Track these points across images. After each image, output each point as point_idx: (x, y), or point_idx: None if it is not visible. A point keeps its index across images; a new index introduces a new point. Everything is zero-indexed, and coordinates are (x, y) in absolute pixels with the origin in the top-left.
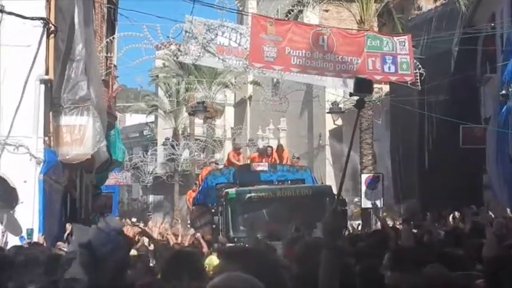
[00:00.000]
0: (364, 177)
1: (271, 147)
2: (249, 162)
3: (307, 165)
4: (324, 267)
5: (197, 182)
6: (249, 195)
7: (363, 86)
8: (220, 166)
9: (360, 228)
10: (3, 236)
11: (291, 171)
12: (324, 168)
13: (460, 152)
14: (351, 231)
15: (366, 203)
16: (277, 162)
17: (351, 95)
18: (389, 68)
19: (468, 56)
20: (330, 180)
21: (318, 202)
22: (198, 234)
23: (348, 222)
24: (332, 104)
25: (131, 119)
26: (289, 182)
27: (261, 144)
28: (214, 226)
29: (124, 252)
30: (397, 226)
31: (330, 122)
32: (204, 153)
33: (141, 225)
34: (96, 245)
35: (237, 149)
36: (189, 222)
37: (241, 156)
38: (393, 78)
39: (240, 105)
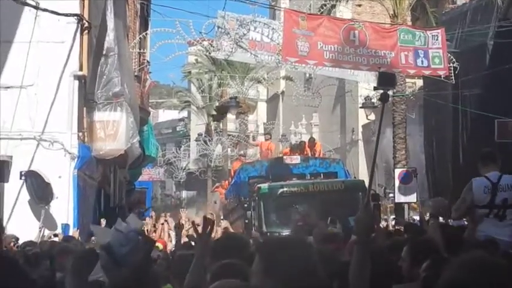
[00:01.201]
0: (398, 172)
1: (304, 142)
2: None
3: (339, 158)
4: (355, 262)
5: (229, 179)
6: (281, 190)
7: (386, 80)
8: (250, 160)
9: (393, 223)
10: (40, 231)
11: (324, 165)
12: (356, 163)
13: (495, 146)
14: (385, 226)
15: (400, 198)
16: (310, 154)
17: (375, 88)
18: (421, 62)
19: (503, 50)
20: (363, 175)
21: (350, 196)
22: (228, 226)
23: (383, 216)
24: (365, 98)
25: (164, 115)
26: (322, 175)
27: (293, 140)
28: (247, 221)
29: (144, 252)
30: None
31: (363, 117)
32: (236, 149)
33: (170, 220)
34: (115, 247)
35: (266, 135)
36: (221, 216)
37: (271, 145)
38: (426, 72)
39: (272, 101)
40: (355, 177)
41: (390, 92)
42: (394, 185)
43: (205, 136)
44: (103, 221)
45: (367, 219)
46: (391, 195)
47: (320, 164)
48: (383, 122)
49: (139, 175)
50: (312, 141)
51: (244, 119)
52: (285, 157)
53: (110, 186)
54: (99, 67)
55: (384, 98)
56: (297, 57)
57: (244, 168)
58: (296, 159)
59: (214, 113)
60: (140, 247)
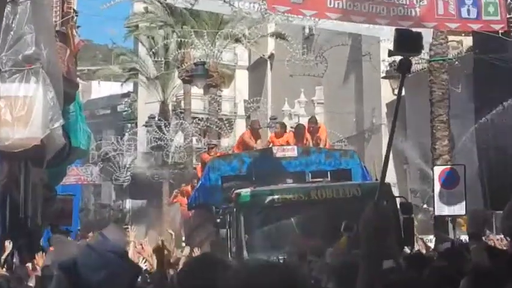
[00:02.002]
0: (438, 170)
1: (302, 125)
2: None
3: (353, 150)
4: (360, 281)
5: (193, 181)
6: (270, 198)
7: (407, 42)
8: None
9: (432, 244)
10: None
11: (331, 159)
12: (379, 157)
13: None
14: (419, 248)
15: (441, 209)
16: (310, 144)
17: (390, 54)
18: (468, 12)
19: None
20: (389, 175)
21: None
22: (193, 253)
23: (416, 235)
24: (390, 64)
25: (100, 89)
26: (329, 175)
27: (288, 125)
28: (219, 243)
29: (128, 282)
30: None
31: (388, 91)
32: (205, 138)
33: None
34: (84, 270)
35: (254, 128)
36: (183, 237)
37: (259, 140)
38: (475, 27)
39: (256, 68)
40: (376, 179)
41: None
42: (433, 190)
43: (159, 120)
44: (8, 244)
45: (376, 222)
46: (424, 206)
47: (326, 158)
48: (416, 98)
49: (62, 176)
50: (313, 122)
51: (216, 94)
52: (274, 148)
53: (19, 192)
54: (4, 19)
55: (403, 67)
56: (288, 5)
57: (215, 164)
58: (291, 150)
59: (176, 82)
60: (122, 275)
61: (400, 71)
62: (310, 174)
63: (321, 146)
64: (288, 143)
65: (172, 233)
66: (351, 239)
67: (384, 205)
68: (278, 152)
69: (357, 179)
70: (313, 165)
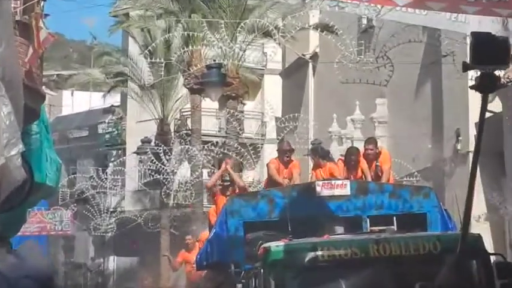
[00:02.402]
0: None
1: (356, 149)
2: (312, 179)
3: (429, 187)
4: None
5: (205, 231)
6: (312, 254)
7: (489, 50)
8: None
9: None
10: None
11: (399, 198)
12: (465, 194)
13: None
14: None
15: None
16: (368, 177)
17: (465, 68)
18: None
19: None
20: (478, 223)
21: (455, 267)
22: None
23: None
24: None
25: (74, 102)
26: (395, 221)
27: (336, 151)
28: None
29: None
30: None
31: (478, 106)
32: (221, 169)
33: None
34: None
35: (283, 151)
36: None
37: (294, 167)
38: None
39: (294, 74)
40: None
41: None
42: None
43: (156, 145)
44: None
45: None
46: None
47: (391, 197)
48: None
49: (21, 224)
50: (372, 143)
51: (236, 109)
52: (318, 184)
53: None
54: None
55: (485, 84)
56: None
57: (234, 206)
58: (342, 187)
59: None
60: None
61: (481, 89)
62: (368, 221)
63: (383, 180)
64: (332, 175)
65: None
66: None
67: (470, 264)
68: (323, 189)
69: (434, 228)
70: (372, 207)
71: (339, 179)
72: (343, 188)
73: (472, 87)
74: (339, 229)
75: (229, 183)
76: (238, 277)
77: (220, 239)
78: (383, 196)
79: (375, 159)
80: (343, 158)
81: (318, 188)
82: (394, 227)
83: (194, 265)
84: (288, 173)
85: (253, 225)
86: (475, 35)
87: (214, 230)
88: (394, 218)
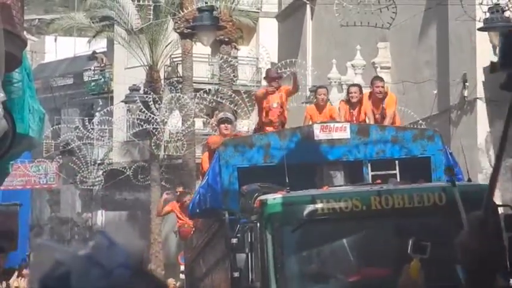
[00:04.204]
0: None
1: (358, 85)
2: (308, 122)
3: (434, 129)
4: None
5: (197, 181)
6: (312, 208)
7: None
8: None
9: None
10: None
11: (402, 141)
12: (471, 146)
13: None
14: None
15: None
16: (371, 120)
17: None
18: None
19: None
20: (484, 171)
21: (461, 221)
22: None
23: None
24: (491, 10)
25: (57, 48)
26: (397, 165)
27: (336, 96)
28: (236, 274)
29: None
30: None
31: (487, 49)
32: (214, 119)
33: None
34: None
35: (272, 78)
36: (181, 261)
37: (284, 91)
38: None
39: (290, 16)
40: (469, 179)
41: None
42: None
43: (146, 93)
44: None
45: (485, 249)
46: None
47: (394, 140)
48: None
49: (3, 177)
50: (380, 80)
51: (230, 55)
52: (316, 127)
53: None
54: None
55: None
56: None
57: (228, 149)
58: (342, 129)
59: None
60: None
61: (505, 87)
62: (369, 165)
63: (387, 121)
64: (332, 118)
65: (161, 259)
66: (425, 263)
67: (495, 223)
68: (321, 132)
69: (439, 173)
70: (374, 151)
71: (338, 122)
72: (342, 131)
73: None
74: (339, 175)
75: (226, 119)
76: (232, 225)
77: (213, 185)
78: (385, 139)
79: (383, 100)
80: (344, 99)
81: (316, 132)
82: (397, 178)
83: (184, 218)
84: (280, 98)
85: (248, 170)
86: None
87: (207, 177)
88: (397, 162)
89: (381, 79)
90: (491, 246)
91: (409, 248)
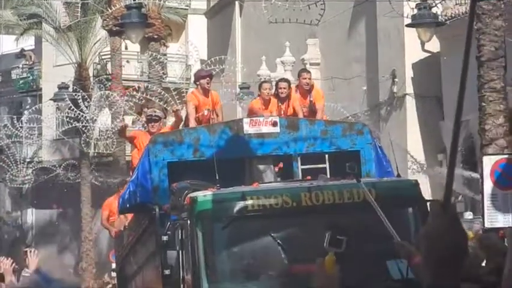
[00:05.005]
0: (489, 162)
1: (287, 80)
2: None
3: (363, 123)
4: None
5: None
6: (242, 204)
7: None
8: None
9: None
10: None
11: (331, 135)
12: (402, 140)
13: None
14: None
15: (494, 219)
16: (299, 114)
17: None
18: None
19: None
20: (414, 167)
21: (390, 218)
22: None
23: None
24: (418, 6)
25: None
26: (327, 159)
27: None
28: (167, 271)
29: None
30: None
31: (415, 46)
32: (142, 116)
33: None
34: None
35: (201, 76)
36: (112, 259)
37: (217, 97)
38: None
39: (219, 13)
40: (398, 174)
41: None
42: (481, 192)
43: (74, 90)
44: None
45: (448, 236)
46: (468, 215)
47: (323, 134)
48: (456, 57)
49: None
50: (307, 72)
51: (159, 52)
52: (245, 120)
53: None
54: None
55: None
56: None
57: (158, 143)
58: (271, 123)
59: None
60: None
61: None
62: (299, 160)
63: (318, 115)
64: (252, 111)
65: (92, 258)
66: (339, 257)
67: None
68: (251, 127)
69: (368, 166)
70: (304, 145)
71: (270, 114)
72: (271, 125)
73: None
74: (269, 169)
75: (156, 117)
76: (163, 221)
77: (143, 180)
78: (314, 132)
79: (310, 92)
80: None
81: (246, 126)
82: (327, 172)
83: (114, 216)
84: (212, 103)
85: (178, 165)
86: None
87: (137, 171)
88: (326, 156)
89: (307, 71)
90: (462, 231)
91: (325, 242)
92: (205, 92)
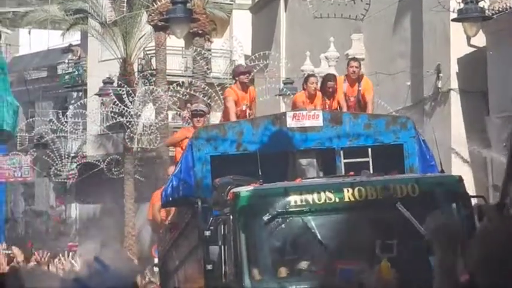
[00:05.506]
0: None
1: (333, 75)
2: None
3: (406, 116)
4: None
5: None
6: (284, 200)
7: None
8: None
9: None
10: None
11: (374, 128)
12: (445, 138)
13: None
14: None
15: None
16: (343, 109)
17: None
18: None
19: None
20: (458, 162)
21: (433, 211)
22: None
23: None
24: (465, 1)
25: (31, 41)
26: (370, 152)
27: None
28: (210, 266)
29: None
30: None
31: (461, 41)
32: (186, 111)
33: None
34: None
35: (240, 72)
36: (155, 254)
37: (251, 90)
38: None
39: (264, 9)
40: (442, 169)
41: None
42: None
43: (119, 86)
44: None
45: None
46: None
47: (366, 127)
48: (505, 49)
49: None
50: (356, 60)
51: (204, 47)
52: (289, 114)
53: None
54: None
55: None
56: None
57: (201, 137)
58: (314, 117)
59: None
60: None
61: None
62: (342, 153)
63: (370, 109)
64: (294, 104)
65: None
66: (393, 262)
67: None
68: (294, 120)
69: (411, 160)
70: (346, 139)
71: (313, 108)
72: (315, 119)
73: None
74: (312, 163)
75: (201, 112)
76: (205, 215)
77: (186, 174)
78: (357, 126)
79: (357, 82)
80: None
81: (289, 119)
82: (370, 166)
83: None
84: (250, 99)
85: (221, 158)
86: None
87: (180, 165)
88: (369, 150)
89: (356, 59)
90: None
91: (376, 249)
92: (244, 87)
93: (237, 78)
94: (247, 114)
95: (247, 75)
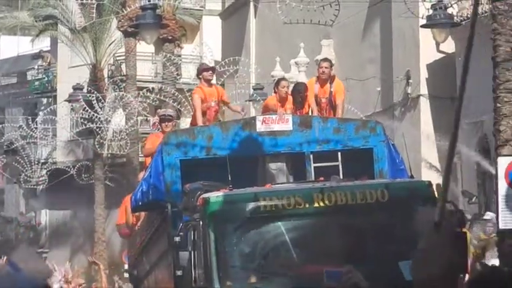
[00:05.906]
0: (504, 162)
1: (304, 84)
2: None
3: (376, 121)
4: None
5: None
6: (254, 205)
7: None
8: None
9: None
10: None
11: (343, 132)
12: (416, 142)
13: None
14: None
15: (509, 220)
16: (314, 113)
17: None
18: None
19: None
20: (429, 169)
21: (402, 218)
22: None
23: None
24: (434, 7)
25: (2, 47)
26: (340, 156)
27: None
28: (179, 272)
29: None
30: None
31: (430, 46)
32: (156, 117)
33: None
34: None
35: (204, 69)
36: (125, 259)
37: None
38: None
39: (234, 15)
40: (411, 175)
41: None
42: (495, 193)
43: (89, 92)
44: None
45: (441, 248)
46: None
47: (335, 131)
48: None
49: None
50: (326, 61)
51: (173, 53)
52: (258, 118)
53: None
54: None
55: None
56: None
57: (170, 141)
58: (283, 121)
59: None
60: None
61: None
62: (311, 157)
63: (338, 112)
64: (266, 108)
65: (100, 264)
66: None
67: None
68: (263, 124)
69: (381, 164)
70: (316, 143)
71: (284, 113)
72: (284, 123)
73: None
74: (281, 167)
75: (169, 117)
76: (175, 219)
77: (156, 178)
78: (326, 130)
79: (328, 81)
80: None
81: (258, 124)
82: (340, 170)
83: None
84: (218, 96)
85: (191, 162)
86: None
87: (149, 169)
88: (339, 154)
89: (326, 60)
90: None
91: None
92: (209, 84)
93: (201, 76)
94: (216, 110)
95: (211, 72)
